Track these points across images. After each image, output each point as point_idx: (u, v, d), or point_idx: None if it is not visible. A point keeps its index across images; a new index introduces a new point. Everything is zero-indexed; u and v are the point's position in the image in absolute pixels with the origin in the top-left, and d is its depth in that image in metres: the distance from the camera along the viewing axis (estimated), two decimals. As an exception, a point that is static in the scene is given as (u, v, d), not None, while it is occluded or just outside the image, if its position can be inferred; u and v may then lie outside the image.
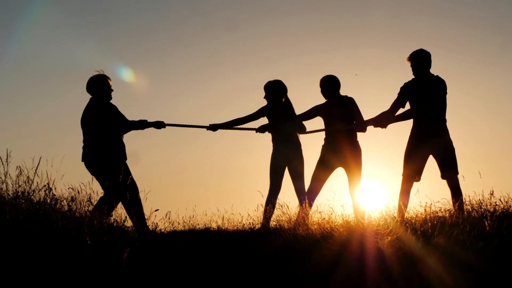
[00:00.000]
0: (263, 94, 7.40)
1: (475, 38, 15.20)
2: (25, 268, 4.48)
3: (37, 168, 5.96)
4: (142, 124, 7.08)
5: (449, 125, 6.78)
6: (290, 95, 7.44)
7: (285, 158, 7.23)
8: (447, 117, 6.81)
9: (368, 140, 7.71)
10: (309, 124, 7.54)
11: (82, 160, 6.80)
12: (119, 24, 16.10)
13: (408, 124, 6.93)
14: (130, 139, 7.12)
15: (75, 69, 15.00)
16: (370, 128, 7.18)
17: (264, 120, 7.47)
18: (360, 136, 7.26)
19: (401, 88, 6.94)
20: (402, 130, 6.92)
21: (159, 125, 7.27)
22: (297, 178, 7.26)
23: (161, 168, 14.05)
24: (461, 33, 15.24)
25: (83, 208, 5.87)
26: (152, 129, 7.32)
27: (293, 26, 15.99)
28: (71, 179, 6.47)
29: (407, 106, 6.94)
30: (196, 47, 15.98)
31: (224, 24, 15.41)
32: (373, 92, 13.32)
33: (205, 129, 7.47)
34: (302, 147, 7.35)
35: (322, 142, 7.34)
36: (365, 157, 7.24)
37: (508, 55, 14.71)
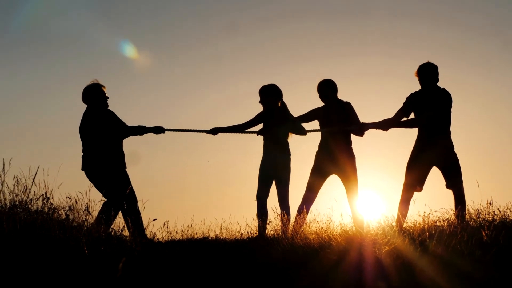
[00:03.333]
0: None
1: (475, 44, 15.19)
2: (23, 278, 4.47)
3: (34, 177, 5.96)
4: (141, 130, 7.03)
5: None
6: (292, 101, 7.42)
7: (277, 166, 7.18)
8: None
9: (367, 149, 7.71)
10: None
11: (82, 169, 6.79)
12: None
13: (409, 133, 6.96)
14: (127, 145, 7.13)
15: (75, 80, 15.02)
16: (368, 138, 7.19)
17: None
18: (359, 145, 7.27)
19: (407, 98, 6.96)
20: (402, 140, 6.96)
21: (158, 130, 7.16)
22: (283, 185, 7.19)
23: (159, 177, 14.03)
24: (462, 39, 15.25)
25: (81, 218, 5.86)
26: (150, 136, 7.30)
27: (296, 32, 16.04)
28: (69, 188, 6.48)
29: (411, 116, 6.96)
30: (198, 51, 16.02)
31: (226, 29, 15.45)
32: (373, 99, 13.35)
33: (206, 134, 7.36)
34: (294, 156, 7.32)
35: (314, 150, 7.32)
36: (364, 167, 7.24)
37: (509, 62, 14.72)
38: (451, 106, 6.81)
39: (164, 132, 7.20)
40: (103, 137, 6.74)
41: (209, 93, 15.58)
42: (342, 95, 7.37)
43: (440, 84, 6.89)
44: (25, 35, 15.09)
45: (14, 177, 5.88)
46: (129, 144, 7.16)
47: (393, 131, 7.08)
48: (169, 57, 16.13)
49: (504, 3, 15.22)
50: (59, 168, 6.35)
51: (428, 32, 15.21)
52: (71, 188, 6.66)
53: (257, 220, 7.04)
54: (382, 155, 9.50)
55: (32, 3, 14.38)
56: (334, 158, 7.14)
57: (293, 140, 7.54)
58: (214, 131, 7.37)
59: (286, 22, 15.83)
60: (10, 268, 4.54)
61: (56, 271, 4.61)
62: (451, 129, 6.84)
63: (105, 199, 6.57)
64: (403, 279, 4.61)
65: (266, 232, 6.95)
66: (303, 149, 7.83)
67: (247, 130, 7.38)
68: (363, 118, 7.28)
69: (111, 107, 6.93)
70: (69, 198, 5.96)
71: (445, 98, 6.79)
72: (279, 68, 15.63)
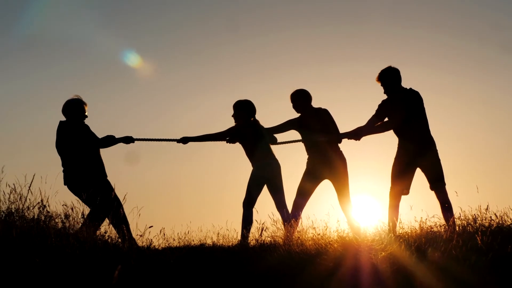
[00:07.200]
0: (263, 105, 7.42)
1: (472, 50, 15.21)
2: (19, 286, 4.47)
3: (30, 185, 5.95)
4: (110, 141, 7.05)
5: (446, 139, 6.79)
6: (287, 108, 7.42)
7: (269, 174, 7.21)
8: (444, 130, 6.84)
9: (363, 155, 7.71)
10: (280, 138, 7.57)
11: (65, 184, 6.76)
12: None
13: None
14: (125, 146, 7.15)
15: (73, 86, 15.03)
16: (363, 142, 7.18)
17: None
18: (354, 150, 7.27)
19: (379, 105, 6.95)
20: (396, 145, 6.91)
21: (128, 140, 7.20)
22: (278, 192, 7.24)
23: (156, 183, 14.03)
24: (459, 45, 15.27)
25: (77, 225, 5.86)
26: (147, 144, 7.31)
27: (295, 38, 16.09)
28: (65, 196, 6.47)
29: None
30: (198, 55, 16.05)
31: (227, 33, 15.50)
32: (368, 104, 13.33)
33: (181, 143, 7.42)
34: (283, 162, 7.36)
35: (304, 157, 7.32)
36: (359, 172, 7.24)
37: (507, 66, 14.74)
38: (422, 104, 6.80)
39: (133, 142, 7.27)
40: (81, 150, 6.73)
41: (210, 98, 15.61)
42: (339, 100, 7.37)
43: (441, 88, 6.89)
44: (26, 40, 15.14)
45: (6, 184, 5.88)
46: (128, 145, 7.20)
47: (390, 133, 7.06)
48: (170, 63, 16.18)
49: (501, 6, 15.27)
50: (56, 176, 6.36)
51: (427, 36, 15.25)
52: (68, 196, 6.67)
53: (257, 227, 7.04)
54: (379, 160, 9.50)
55: (35, 9, 14.40)
56: (327, 162, 7.12)
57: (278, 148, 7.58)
58: (184, 140, 7.44)
59: (289, 27, 15.89)
60: (7, 276, 4.54)
61: (52, 278, 4.60)
62: (450, 133, 6.85)
63: (90, 209, 6.55)
64: (399, 284, 4.62)
65: (263, 238, 6.95)
66: (290, 157, 7.88)
67: (217, 139, 7.45)
68: (360, 122, 7.25)
69: (113, 113, 6.96)
70: (65, 206, 5.97)
71: (414, 98, 6.79)
72: (287, 71, 15.66)
